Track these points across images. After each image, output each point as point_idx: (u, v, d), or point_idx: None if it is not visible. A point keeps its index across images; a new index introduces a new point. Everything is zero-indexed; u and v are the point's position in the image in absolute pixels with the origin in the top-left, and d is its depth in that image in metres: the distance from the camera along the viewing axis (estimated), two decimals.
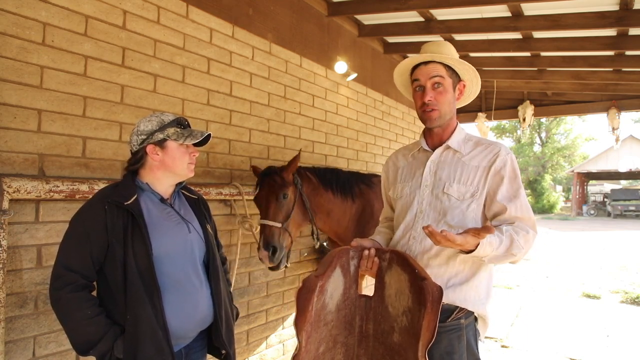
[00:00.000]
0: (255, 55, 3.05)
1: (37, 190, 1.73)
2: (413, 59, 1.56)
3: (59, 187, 1.80)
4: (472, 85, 1.62)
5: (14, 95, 1.78)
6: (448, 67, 1.53)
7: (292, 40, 3.40)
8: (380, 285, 1.43)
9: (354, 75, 4.04)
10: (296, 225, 2.63)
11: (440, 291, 1.23)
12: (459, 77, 1.58)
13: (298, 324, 1.27)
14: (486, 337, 4.08)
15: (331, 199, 2.80)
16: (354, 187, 2.91)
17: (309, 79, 3.60)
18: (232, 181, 2.85)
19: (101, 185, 1.94)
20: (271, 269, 2.53)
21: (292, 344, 3.43)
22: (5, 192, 1.64)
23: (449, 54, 1.53)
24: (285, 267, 2.75)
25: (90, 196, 1.89)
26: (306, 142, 3.55)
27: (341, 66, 3.84)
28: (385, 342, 1.35)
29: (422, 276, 1.27)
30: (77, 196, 1.87)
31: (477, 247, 1.27)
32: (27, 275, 1.80)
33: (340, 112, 4.02)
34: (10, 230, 1.73)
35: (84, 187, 1.88)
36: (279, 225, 2.47)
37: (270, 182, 2.55)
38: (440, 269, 1.47)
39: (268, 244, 2.42)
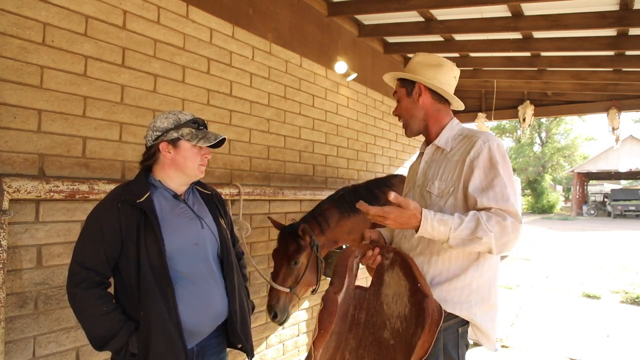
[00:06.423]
0: (255, 55, 3.05)
1: (37, 190, 1.73)
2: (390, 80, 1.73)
3: (59, 187, 1.80)
4: (436, 77, 1.55)
5: (14, 95, 1.78)
6: (402, 79, 1.62)
7: (292, 40, 3.40)
8: (378, 281, 1.45)
9: (354, 75, 4.04)
10: (306, 286, 2.60)
11: (440, 313, 1.22)
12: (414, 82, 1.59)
13: (317, 344, 1.26)
14: None
15: (351, 219, 2.78)
16: (377, 193, 2.91)
17: (309, 79, 3.60)
18: (232, 181, 2.85)
19: (101, 185, 1.95)
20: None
21: (292, 344, 3.43)
22: (5, 192, 1.64)
23: (406, 68, 1.63)
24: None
25: (91, 196, 1.91)
26: (306, 142, 3.55)
27: (341, 66, 3.84)
28: (376, 334, 1.38)
29: (424, 292, 1.25)
30: (77, 196, 1.87)
31: (420, 223, 1.28)
32: (27, 275, 1.80)
33: (340, 112, 4.02)
34: (10, 230, 1.73)
35: (84, 187, 1.88)
36: (287, 290, 2.46)
37: (285, 244, 2.52)
38: (424, 266, 1.47)
39: (271, 307, 2.46)
